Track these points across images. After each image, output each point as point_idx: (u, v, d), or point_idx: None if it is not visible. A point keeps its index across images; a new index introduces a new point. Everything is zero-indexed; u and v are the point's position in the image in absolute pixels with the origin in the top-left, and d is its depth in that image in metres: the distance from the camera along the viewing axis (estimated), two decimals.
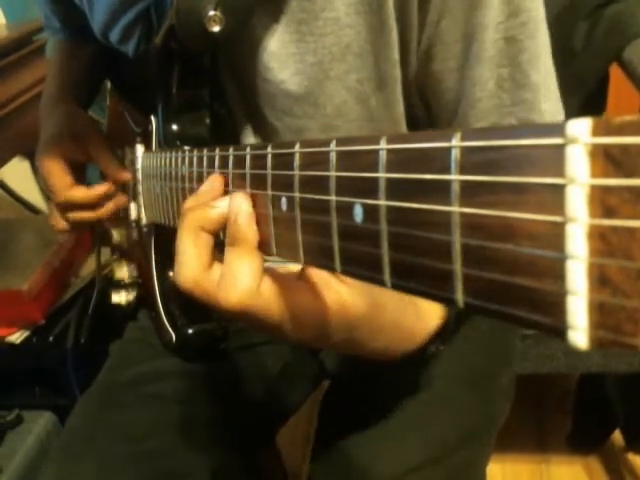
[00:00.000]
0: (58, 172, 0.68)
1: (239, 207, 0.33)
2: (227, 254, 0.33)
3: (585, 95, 1.00)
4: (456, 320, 0.48)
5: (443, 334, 0.47)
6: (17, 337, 1.02)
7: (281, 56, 0.53)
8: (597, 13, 0.99)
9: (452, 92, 0.54)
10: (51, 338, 1.02)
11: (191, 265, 0.35)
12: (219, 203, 0.35)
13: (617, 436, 1.30)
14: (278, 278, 0.34)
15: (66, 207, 0.69)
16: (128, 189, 0.69)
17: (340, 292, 0.36)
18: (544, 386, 1.46)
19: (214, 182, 0.37)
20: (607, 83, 1.04)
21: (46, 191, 0.71)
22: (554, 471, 1.30)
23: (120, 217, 0.71)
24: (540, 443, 1.36)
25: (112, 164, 0.69)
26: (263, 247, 0.33)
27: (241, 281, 0.32)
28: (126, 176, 0.68)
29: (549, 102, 0.54)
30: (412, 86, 0.56)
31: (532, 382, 1.43)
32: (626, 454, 1.29)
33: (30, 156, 1.48)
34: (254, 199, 0.34)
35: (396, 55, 0.53)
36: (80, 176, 0.71)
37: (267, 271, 0.34)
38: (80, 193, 0.68)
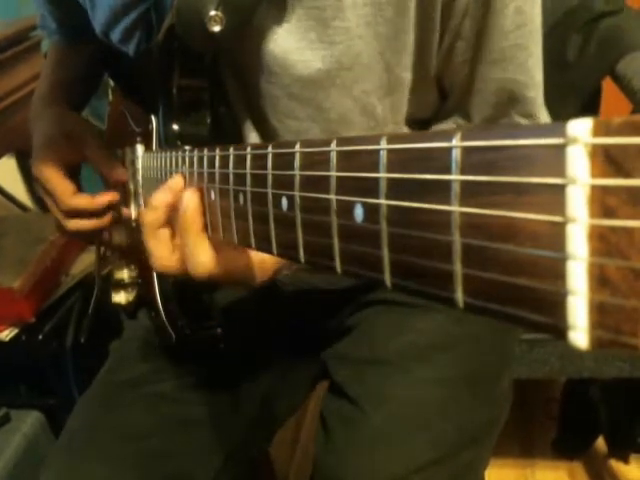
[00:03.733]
0: (58, 178, 0.66)
1: (188, 202, 0.42)
2: (183, 239, 0.43)
3: (578, 107, 1.01)
4: None
5: None
6: (6, 335, 1.01)
7: (286, 60, 0.53)
8: (591, 26, 1.00)
9: (465, 80, 0.58)
10: (40, 336, 1.01)
11: (159, 256, 0.45)
12: (158, 202, 0.44)
13: (601, 442, 1.30)
14: (223, 249, 0.43)
15: (69, 214, 0.67)
16: (128, 189, 0.68)
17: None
18: (529, 392, 1.46)
19: (177, 180, 0.45)
20: (600, 95, 1.05)
21: (44, 196, 0.69)
22: (539, 476, 1.31)
23: (120, 217, 0.71)
24: (525, 449, 1.37)
25: (109, 163, 0.67)
26: (263, 245, 0.34)
27: (202, 259, 0.42)
28: (123, 175, 0.67)
29: (542, 97, 0.59)
30: (430, 82, 0.59)
31: (517, 388, 1.43)
32: (609, 460, 1.30)
33: (18, 154, 1.47)
34: (256, 197, 0.34)
35: (409, 59, 0.54)
36: (74, 178, 0.70)
37: (216, 245, 0.43)
38: (84, 201, 0.66)
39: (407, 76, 0.56)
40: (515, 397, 1.44)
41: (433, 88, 0.60)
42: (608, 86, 1.03)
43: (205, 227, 0.42)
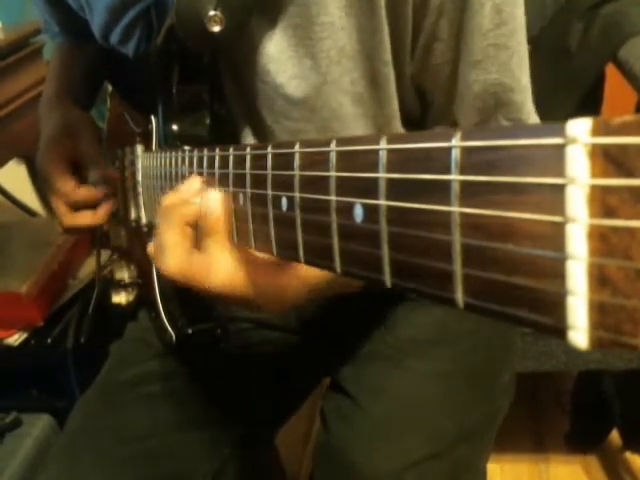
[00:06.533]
0: (59, 174, 0.68)
1: (213, 203, 0.38)
2: (206, 245, 0.38)
3: (581, 94, 1.00)
4: None
5: None
6: (15, 339, 1.02)
7: (279, 60, 0.53)
8: (592, 13, 0.99)
9: (448, 84, 0.57)
10: (49, 340, 1.02)
11: (177, 256, 0.39)
12: (197, 200, 0.39)
13: (615, 435, 1.30)
14: (251, 262, 0.38)
15: (72, 208, 0.69)
16: (128, 189, 0.69)
17: (298, 266, 0.40)
18: (541, 385, 1.46)
19: (194, 181, 0.41)
20: (603, 82, 1.05)
21: (48, 193, 0.71)
22: (552, 471, 1.31)
23: (120, 217, 0.71)
24: (538, 443, 1.36)
25: (92, 162, 0.69)
26: (263, 246, 0.34)
27: (223, 269, 0.37)
28: (96, 176, 0.68)
29: (530, 102, 0.57)
30: (407, 82, 0.57)
31: (529, 381, 1.44)
32: (624, 453, 1.29)
33: (26, 159, 1.47)
34: (254, 198, 0.34)
35: (388, 55, 0.54)
36: (83, 175, 0.71)
37: (243, 256, 0.38)
38: (84, 192, 0.69)
39: (389, 71, 0.55)
40: (527, 390, 1.44)
41: (411, 89, 0.59)
42: (612, 75, 1.02)
43: (231, 235, 0.38)
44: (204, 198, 0.38)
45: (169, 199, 0.41)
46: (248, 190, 0.34)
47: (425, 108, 0.61)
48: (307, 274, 0.41)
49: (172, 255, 0.39)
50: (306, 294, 0.42)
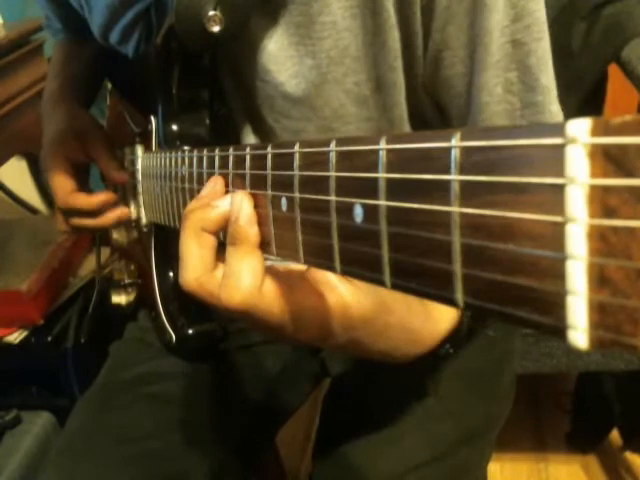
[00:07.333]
0: (60, 175, 0.68)
1: (240, 206, 0.33)
2: (228, 254, 0.33)
3: (584, 95, 1.00)
4: (469, 324, 0.46)
5: (454, 338, 0.46)
6: (15, 337, 1.02)
7: (279, 58, 0.53)
8: (595, 13, 0.99)
9: (463, 97, 0.54)
10: (49, 338, 1.02)
11: (195, 267, 0.35)
12: (220, 203, 0.35)
13: (615, 435, 1.30)
14: (280, 279, 0.34)
15: (67, 212, 0.69)
16: (128, 189, 0.69)
17: (343, 293, 0.36)
18: (542, 385, 1.46)
19: (215, 183, 0.37)
20: (606, 83, 1.04)
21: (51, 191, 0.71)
22: (552, 470, 1.31)
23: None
24: (538, 442, 1.36)
25: (110, 164, 0.68)
26: (263, 247, 0.33)
27: (243, 281, 0.32)
28: (123, 177, 0.67)
29: (556, 103, 0.54)
30: (421, 91, 0.56)
31: (530, 381, 1.44)
32: (624, 453, 1.29)
33: (28, 156, 1.48)
34: (254, 199, 0.34)
35: (396, 61, 0.52)
36: (83, 178, 0.71)
37: (270, 271, 0.34)
38: (80, 200, 0.68)
39: (396, 77, 0.53)
40: (528, 391, 1.44)
41: (428, 103, 0.57)
42: (614, 76, 1.02)
43: (262, 244, 0.33)
44: (227, 201, 0.35)
45: (190, 204, 0.37)
46: (248, 190, 0.34)
47: (444, 118, 0.58)
48: (356, 303, 0.36)
49: (188, 266, 0.35)
50: (350, 328, 0.37)
